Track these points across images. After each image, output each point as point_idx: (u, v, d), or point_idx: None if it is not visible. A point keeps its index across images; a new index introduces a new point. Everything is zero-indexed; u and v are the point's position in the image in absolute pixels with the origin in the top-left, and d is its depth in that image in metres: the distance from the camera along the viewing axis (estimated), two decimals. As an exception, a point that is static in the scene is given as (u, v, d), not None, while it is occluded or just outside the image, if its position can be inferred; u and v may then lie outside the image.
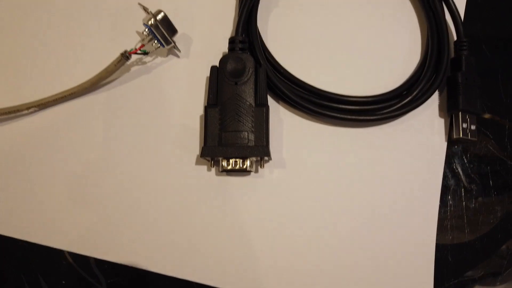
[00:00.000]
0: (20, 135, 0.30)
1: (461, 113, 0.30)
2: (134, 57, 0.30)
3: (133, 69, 0.32)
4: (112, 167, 0.29)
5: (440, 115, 0.31)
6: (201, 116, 0.30)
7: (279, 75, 0.31)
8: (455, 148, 0.31)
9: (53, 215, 0.28)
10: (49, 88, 0.30)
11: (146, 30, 0.29)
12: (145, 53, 0.30)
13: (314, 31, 0.33)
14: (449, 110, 0.31)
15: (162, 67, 0.32)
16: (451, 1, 0.32)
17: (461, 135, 0.29)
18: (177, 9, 0.32)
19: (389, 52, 0.32)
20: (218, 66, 0.29)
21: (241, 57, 0.29)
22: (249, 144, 0.27)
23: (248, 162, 0.27)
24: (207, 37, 0.32)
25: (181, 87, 0.31)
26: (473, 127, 0.30)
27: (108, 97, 0.31)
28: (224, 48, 0.31)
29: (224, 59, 0.29)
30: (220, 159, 0.27)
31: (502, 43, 0.34)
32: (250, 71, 0.28)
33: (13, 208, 0.28)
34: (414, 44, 0.33)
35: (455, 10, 0.32)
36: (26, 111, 0.30)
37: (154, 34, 0.29)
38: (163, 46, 0.30)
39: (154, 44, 0.30)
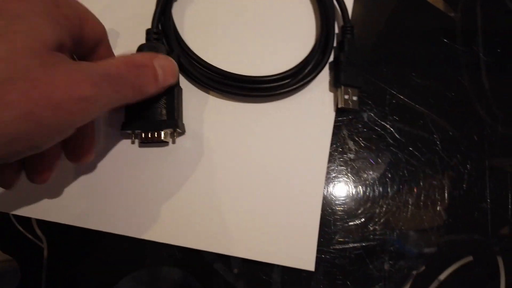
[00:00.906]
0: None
1: (343, 87, 0.36)
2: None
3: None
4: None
5: (330, 90, 0.38)
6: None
7: (192, 60, 0.37)
8: (342, 117, 0.37)
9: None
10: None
11: None
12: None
13: (224, 20, 0.39)
14: (334, 86, 0.37)
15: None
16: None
17: (343, 105, 0.36)
18: (104, 6, 0.38)
19: (288, 37, 0.39)
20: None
21: (153, 45, 0.34)
22: (162, 118, 0.33)
23: (162, 134, 0.33)
24: (131, 30, 0.38)
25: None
26: (354, 98, 0.36)
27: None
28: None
29: (139, 48, 0.34)
30: (139, 132, 0.33)
31: (382, 26, 0.40)
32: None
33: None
34: (310, 30, 0.39)
35: None
36: None
37: None
38: None
39: None
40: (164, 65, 0.29)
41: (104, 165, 0.35)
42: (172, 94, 0.33)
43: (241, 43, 0.38)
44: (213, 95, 0.37)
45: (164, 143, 0.35)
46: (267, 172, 0.35)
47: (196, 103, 0.36)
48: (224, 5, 0.39)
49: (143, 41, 0.36)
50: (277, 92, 0.36)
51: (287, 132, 0.36)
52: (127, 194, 0.34)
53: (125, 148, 0.35)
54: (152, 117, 0.33)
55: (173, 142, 0.35)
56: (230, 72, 0.36)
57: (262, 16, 0.39)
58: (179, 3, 0.39)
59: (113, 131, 0.35)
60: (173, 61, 0.31)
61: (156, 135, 0.33)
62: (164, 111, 0.33)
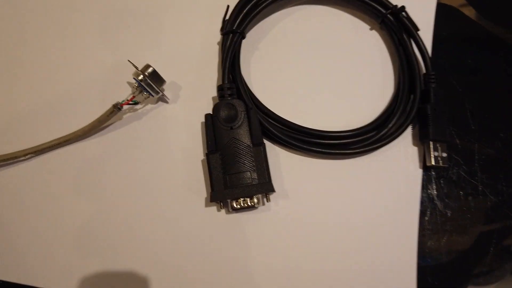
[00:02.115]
0: (18, 180, 0.33)
1: (431, 143, 0.34)
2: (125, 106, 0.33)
3: (126, 116, 0.35)
4: (118, 215, 0.32)
5: (414, 144, 0.35)
6: (202, 160, 0.33)
7: (264, 116, 0.34)
8: (430, 174, 0.35)
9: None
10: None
11: (136, 83, 0.32)
12: (136, 103, 0.33)
13: (293, 70, 0.37)
14: (421, 140, 0.35)
15: (154, 114, 0.35)
16: (417, 37, 0.36)
17: (433, 163, 0.34)
18: (165, 59, 0.36)
19: (364, 87, 0.37)
20: (212, 113, 0.32)
21: (232, 103, 0.32)
22: (253, 182, 0.31)
23: (255, 199, 0.31)
24: (195, 83, 0.36)
25: (177, 132, 0.34)
26: (444, 155, 0.34)
27: (102, 143, 0.34)
28: (211, 90, 0.35)
29: (217, 107, 0.32)
30: (229, 200, 0.31)
31: (467, 74, 0.38)
32: (243, 115, 0.32)
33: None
34: (387, 78, 0.37)
35: (422, 45, 0.36)
36: (23, 157, 0.33)
37: (143, 87, 0.32)
38: (152, 96, 0.33)
39: (144, 94, 0.33)
40: None
41: (193, 238, 0.32)
42: (260, 155, 0.31)
43: (315, 94, 0.36)
44: (293, 152, 0.34)
45: (254, 208, 0.32)
46: (354, 234, 0.33)
47: (280, 159, 0.34)
48: (291, 52, 0.37)
49: (205, 92, 0.35)
50: (362, 149, 0.34)
51: (371, 191, 0.34)
52: (225, 264, 0.32)
53: (213, 216, 0.33)
54: (242, 183, 0.30)
55: (263, 204, 0.33)
56: (310, 129, 0.34)
57: (335, 65, 0.37)
58: (243, 52, 0.36)
59: (196, 199, 0.33)
60: None
61: (249, 202, 0.31)
62: (254, 175, 0.31)
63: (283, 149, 0.34)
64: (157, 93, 0.33)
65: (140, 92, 0.32)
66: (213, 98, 0.35)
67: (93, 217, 0.32)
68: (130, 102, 0.33)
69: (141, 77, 0.31)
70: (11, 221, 0.32)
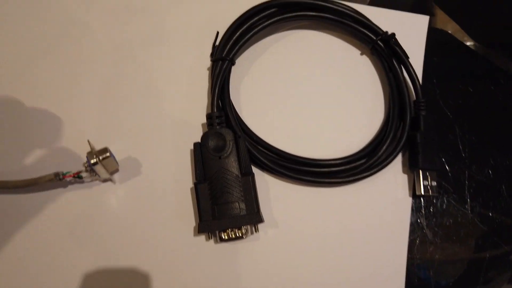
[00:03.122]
0: None
1: (421, 171, 0.34)
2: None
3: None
4: (105, 243, 0.33)
5: (403, 171, 0.36)
6: (191, 189, 0.34)
7: (253, 143, 0.35)
8: (419, 202, 0.35)
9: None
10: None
11: (87, 165, 0.31)
12: (80, 178, 0.32)
13: (283, 96, 0.37)
14: (410, 167, 0.35)
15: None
16: (408, 63, 0.36)
17: (422, 192, 0.34)
18: (156, 83, 0.36)
19: (355, 113, 0.37)
20: (200, 142, 0.33)
21: (220, 132, 0.33)
22: (241, 213, 0.31)
23: (243, 230, 0.31)
24: (186, 109, 0.36)
25: (166, 159, 0.34)
26: (433, 183, 0.35)
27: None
28: (201, 116, 0.35)
29: (205, 136, 0.32)
30: (217, 231, 0.31)
31: (458, 99, 0.39)
32: (231, 144, 0.32)
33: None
34: (377, 105, 0.37)
35: (412, 72, 0.36)
36: None
37: (93, 169, 0.31)
38: (99, 178, 0.32)
39: (91, 174, 0.32)
40: None
41: (182, 268, 0.32)
42: (249, 185, 0.32)
43: (304, 120, 0.37)
44: (282, 180, 0.35)
45: (243, 238, 0.32)
46: (343, 262, 0.33)
47: (269, 187, 0.35)
48: (281, 78, 0.38)
49: (195, 120, 0.35)
50: (351, 178, 0.34)
51: (360, 219, 0.34)
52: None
53: (201, 246, 0.33)
54: (230, 213, 0.31)
55: (252, 233, 0.33)
56: (299, 157, 0.34)
57: (325, 91, 0.38)
58: (233, 77, 0.37)
59: (185, 227, 0.33)
60: None
61: (237, 233, 0.31)
62: (243, 205, 0.31)
63: (272, 176, 0.35)
64: (106, 178, 0.33)
65: (89, 172, 0.32)
66: (203, 124, 0.35)
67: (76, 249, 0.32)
68: (75, 176, 0.32)
69: (93, 160, 0.30)
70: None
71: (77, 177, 0.32)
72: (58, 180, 0.31)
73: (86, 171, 0.31)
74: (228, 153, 0.32)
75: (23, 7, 0.38)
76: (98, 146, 0.31)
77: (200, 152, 0.32)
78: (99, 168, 0.31)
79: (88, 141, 0.31)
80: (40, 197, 0.33)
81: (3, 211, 0.32)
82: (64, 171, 0.31)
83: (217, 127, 0.33)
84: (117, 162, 0.33)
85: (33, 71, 0.36)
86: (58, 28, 0.37)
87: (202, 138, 0.32)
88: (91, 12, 0.38)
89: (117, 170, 0.33)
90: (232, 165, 0.32)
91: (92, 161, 0.30)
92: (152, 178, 0.34)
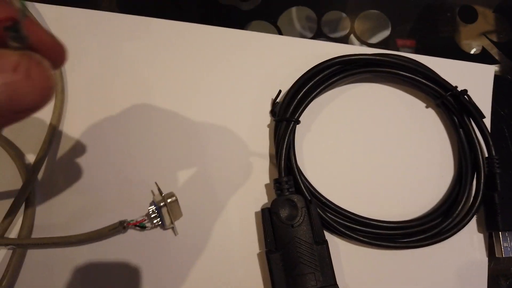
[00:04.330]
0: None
1: (501, 233, 0.33)
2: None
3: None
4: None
5: (479, 230, 0.35)
6: (258, 254, 0.33)
7: (322, 205, 0.34)
8: (498, 264, 0.34)
9: None
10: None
11: (153, 208, 0.31)
12: (143, 227, 0.32)
13: (348, 154, 0.36)
14: (488, 229, 0.34)
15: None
16: (482, 122, 0.35)
17: (503, 255, 0.33)
18: (214, 147, 0.36)
19: (422, 169, 0.36)
20: (269, 208, 0.32)
21: (292, 199, 0.32)
22: (317, 285, 0.30)
23: None
24: (246, 167, 0.35)
25: (230, 223, 0.34)
26: (514, 244, 0.34)
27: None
28: (263, 175, 0.35)
29: (275, 203, 0.32)
30: None
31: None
32: (303, 211, 0.32)
33: None
34: (446, 161, 0.37)
35: (484, 127, 0.35)
36: (3, 247, 0.31)
37: (159, 214, 0.31)
38: (163, 226, 0.32)
39: (154, 222, 0.32)
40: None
41: None
42: (324, 254, 0.31)
43: (370, 178, 0.36)
44: (352, 243, 0.34)
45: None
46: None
47: (337, 252, 0.34)
48: (343, 132, 0.37)
49: (257, 180, 0.35)
50: (427, 241, 0.33)
51: (436, 282, 0.33)
52: None
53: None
54: (306, 285, 0.30)
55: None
56: (371, 219, 0.34)
57: (390, 148, 0.37)
58: (297, 141, 0.36)
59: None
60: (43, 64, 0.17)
61: None
62: (319, 276, 0.30)
63: (342, 239, 0.34)
64: (169, 225, 0.32)
65: (152, 218, 0.32)
66: (266, 185, 0.35)
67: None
68: (138, 225, 0.32)
69: (161, 203, 0.31)
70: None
71: (141, 225, 0.32)
72: (122, 229, 0.31)
73: (150, 217, 0.31)
74: (300, 221, 0.31)
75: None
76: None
77: (270, 220, 0.32)
78: (165, 213, 0.31)
79: (156, 183, 0.31)
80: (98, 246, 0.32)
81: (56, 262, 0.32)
82: (129, 219, 0.31)
83: (286, 193, 0.32)
84: (181, 213, 0.32)
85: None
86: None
87: (273, 205, 0.32)
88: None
89: (179, 217, 0.33)
90: (305, 233, 0.31)
91: (159, 204, 0.30)
92: (214, 237, 0.33)
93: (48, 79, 0.18)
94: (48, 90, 0.18)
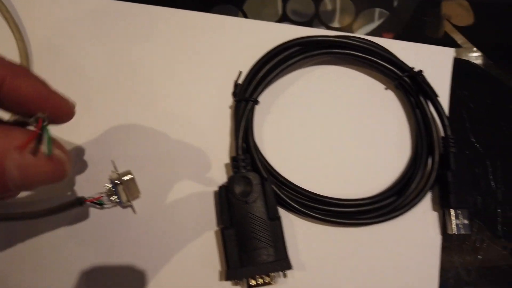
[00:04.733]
0: None
1: (453, 210, 0.34)
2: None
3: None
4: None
5: (433, 208, 0.36)
6: (215, 232, 0.34)
7: (279, 184, 0.35)
8: (451, 241, 0.35)
9: None
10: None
11: (110, 186, 0.31)
12: (101, 204, 0.32)
13: (307, 134, 0.37)
14: (441, 206, 0.35)
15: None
16: (437, 101, 0.36)
17: (454, 232, 0.34)
18: (177, 123, 0.37)
19: (380, 150, 0.37)
20: (226, 185, 0.33)
21: (247, 176, 0.33)
22: (269, 259, 0.31)
23: (272, 276, 0.31)
24: (206, 148, 0.36)
25: (189, 201, 0.35)
26: (465, 221, 0.35)
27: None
28: (223, 155, 0.36)
29: (231, 180, 0.33)
30: (247, 280, 0.31)
31: (489, 133, 0.39)
32: (258, 188, 0.33)
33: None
34: (403, 141, 0.38)
35: (440, 108, 0.36)
36: None
37: (117, 192, 0.32)
38: (121, 204, 0.33)
39: (112, 198, 0.32)
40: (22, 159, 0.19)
41: None
42: (277, 230, 0.32)
43: (329, 158, 0.37)
44: (308, 221, 0.35)
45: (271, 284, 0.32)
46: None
47: (294, 228, 0.35)
48: (303, 113, 0.38)
49: (217, 159, 0.35)
50: (381, 218, 0.34)
51: (390, 259, 0.35)
52: None
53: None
54: (259, 260, 0.31)
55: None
56: (327, 197, 0.35)
57: (349, 129, 0.38)
58: (255, 118, 0.37)
59: (210, 272, 0.33)
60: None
61: (265, 280, 0.31)
62: (271, 251, 0.31)
63: (298, 217, 0.35)
64: (126, 204, 0.33)
65: (110, 195, 0.32)
66: (226, 164, 0.36)
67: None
68: (95, 202, 0.32)
69: (117, 180, 0.31)
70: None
71: (98, 202, 0.32)
72: (78, 205, 0.31)
73: (108, 194, 0.32)
74: (255, 197, 0.32)
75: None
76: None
77: (226, 197, 0.33)
78: (121, 190, 0.31)
79: (112, 161, 0.32)
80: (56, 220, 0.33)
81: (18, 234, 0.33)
82: (86, 196, 0.32)
83: (243, 170, 0.33)
84: (139, 191, 0.33)
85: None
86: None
87: (228, 182, 0.33)
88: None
89: (137, 197, 0.33)
90: (259, 209, 0.32)
91: (116, 181, 0.31)
92: (173, 216, 0.34)
93: (60, 161, 0.20)
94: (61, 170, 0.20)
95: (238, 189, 0.32)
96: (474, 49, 0.41)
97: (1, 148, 0.19)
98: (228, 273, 0.31)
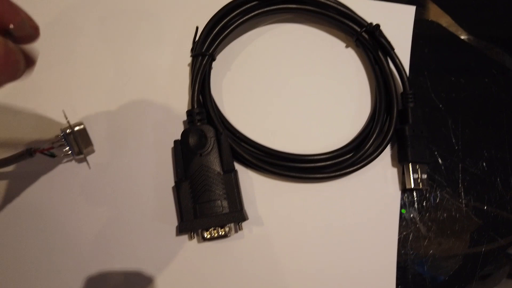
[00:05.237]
0: None
1: (411, 164, 0.34)
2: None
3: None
4: (85, 247, 0.32)
5: (393, 165, 0.36)
6: (173, 187, 0.34)
7: (236, 139, 0.35)
8: (411, 197, 0.35)
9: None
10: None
11: (61, 135, 0.31)
12: (52, 156, 0.32)
13: (266, 91, 0.37)
14: (400, 161, 0.35)
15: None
16: (394, 55, 0.36)
17: (412, 186, 0.34)
18: (136, 81, 0.36)
19: (340, 107, 0.37)
20: (180, 140, 0.33)
21: (201, 129, 0.33)
22: (224, 211, 0.31)
23: (226, 229, 0.31)
24: (166, 106, 0.36)
25: (146, 158, 0.34)
26: (424, 176, 0.35)
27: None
28: (182, 113, 0.35)
29: (185, 133, 0.32)
30: (199, 230, 0.31)
31: (449, 91, 0.39)
32: (212, 141, 0.32)
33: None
34: (364, 98, 0.37)
35: (399, 63, 0.36)
36: None
37: (68, 142, 0.31)
38: (73, 155, 0.32)
39: (64, 150, 0.31)
40: None
41: (165, 269, 0.32)
42: (231, 182, 0.32)
43: (289, 115, 0.37)
44: (266, 176, 0.35)
45: (227, 237, 0.32)
46: (331, 259, 0.33)
47: (253, 183, 0.35)
48: (262, 71, 0.38)
49: (177, 118, 0.35)
50: (338, 173, 0.34)
51: (348, 214, 0.34)
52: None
53: (184, 246, 0.33)
54: (213, 212, 0.31)
55: (236, 232, 0.33)
56: (284, 152, 0.34)
57: (310, 84, 0.38)
58: (214, 75, 0.37)
59: (167, 228, 0.33)
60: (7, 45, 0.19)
61: (220, 232, 0.31)
62: (225, 203, 0.31)
63: (256, 173, 0.35)
64: (79, 155, 0.32)
65: (61, 146, 0.32)
66: (184, 122, 0.35)
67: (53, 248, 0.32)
68: (46, 152, 0.31)
69: (67, 130, 0.31)
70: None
71: (49, 154, 0.31)
72: (28, 156, 0.31)
73: (60, 145, 0.31)
74: (209, 150, 0.32)
75: None
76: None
77: (181, 150, 0.32)
78: (72, 140, 0.31)
79: (63, 111, 0.31)
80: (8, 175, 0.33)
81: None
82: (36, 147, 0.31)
83: (198, 124, 0.33)
84: (92, 143, 0.32)
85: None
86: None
87: (182, 135, 0.33)
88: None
89: (92, 151, 0.33)
90: (214, 162, 0.32)
91: (66, 131, 0.30)
92: (130, 172, 0.34)
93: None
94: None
95: (192, 141, 0.32)
96: (442, 11, 0.41)
97: None
98: (182, 225, 0.31)
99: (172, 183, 0.34)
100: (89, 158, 0.33)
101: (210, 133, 0.32)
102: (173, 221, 0.33)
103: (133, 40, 0.37)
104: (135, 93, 0.36)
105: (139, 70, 0.37)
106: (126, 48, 0.37)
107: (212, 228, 0.31)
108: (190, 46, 0.37)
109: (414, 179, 0.34)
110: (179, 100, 0.36)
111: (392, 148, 0.36)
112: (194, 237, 0.32)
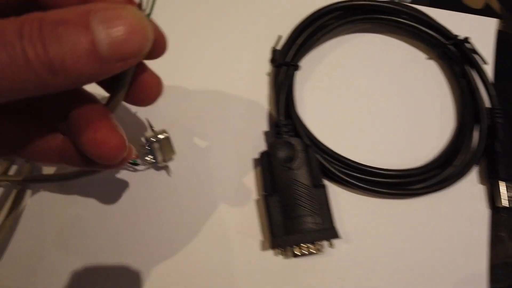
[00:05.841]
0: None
1: (502, 182, 0.34)
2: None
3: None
4: (163, 261, 0.32)
5: (482, 182, 0.35)
6: (256, 201, 0.33)
7: (321, 153, 0.34)
8: (500, 215, 0.34)
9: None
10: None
11: (146, 144, 0.31)
12: (135, 164, 0.32)
13: (347, 102, 0.36)
14: (489, 178, 0.34)
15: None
16: (481, 69, 0.36)
17: (504, 204, 0.33)
18: (213, 91, 0.36)
19: (422, 120, 0.36)
20: (268, 151, 0.32)
21: (290, 142, 0.32)
22: (316, 227, 0.30)
23: (318, 246, 0.30)
24: (244, 115, 0.35)
25: (227, 169, 0.34)
26: (514, 194, 0.34)
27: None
28: (260, 122, 0.35)
29: (273, 146, 0.32)
30: (290, 247, 0.30)
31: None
32: (302, 154, 0.31)
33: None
34: (447, 112, 0.37)
35: (485, 77, 0.36)
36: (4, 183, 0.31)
37: (153, 150, 0.31)
38: (156, 163, 0.32)
39: (147, 158, 0.31)
40: (112, 25, 0.16)
41: (248, 284, 0.31)
42: (322, 197, 0.31)
43: (371, 128, 0.36)
44: (352, 192, 0.34)
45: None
46: (420, 277, 0.32)
47: (338, 199, 0.34)
48: (344, 82, 0.37)
49: (255, 127, 0.35)
50: (426, 189, 0.33)
51: (436, 232, 0.33)
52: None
53: (270, 261, 0.32)
54: (304, 228, 0.30)
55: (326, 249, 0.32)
56: (372, 167, 0.34)
57: (391, 98, 0.37)
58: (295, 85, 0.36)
59: (251, 242, 0.32)
60: (143, 20, 0.18)
61: (312, 249, 0.30)
62: (318, 219, 0.30)
63: (341, 188, 0.34)
64: (162, 164, 0.32)
65: (145, 154, 0.31)
66: (264, 132, 0.35)
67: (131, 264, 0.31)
68: (130, 161, 0.31)
69: (152, 138, 0.30)
70: None
71: (133, 162, 0.31)
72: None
73: (143, 154, 0.31)
74: (299, 163, 0.31)
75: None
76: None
77: (268, 162, 0.32)
78: (157, 149, 0.30)
79: (147, 119, 0.31)
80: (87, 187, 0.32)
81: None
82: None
83: (285, 136, 0.32)
84: (175, 151, 0.32)
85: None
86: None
87: (271, 147, 0.32)
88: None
89: (171, 159, 0.33)
90: (304, 176, 0.31)
91: (151, 139, 0.30)
92: (210, 181, 0.33)
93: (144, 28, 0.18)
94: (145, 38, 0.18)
95: (281, 154, 0.31)
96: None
97: (81, 8, 0.16)
98: (273, 241, 0.30)
99: (253, 195, 0.33)
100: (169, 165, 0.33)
101: (299, 146, 0.32)
102: (257, 235, 0.32)
103: (211, 49, 0.37)
104: (214, 99, 0.35)
105: (217, 77, 0.36)
106: (205, 57, 0.36)
107: (305, 245, 0.30)
108: (266, 54, 0.36)
109: (508, 197, 0.33)
110: (257, 109, 0.35)
111: (478, 164, 0.35)
112: (283, 254, 0.31)
